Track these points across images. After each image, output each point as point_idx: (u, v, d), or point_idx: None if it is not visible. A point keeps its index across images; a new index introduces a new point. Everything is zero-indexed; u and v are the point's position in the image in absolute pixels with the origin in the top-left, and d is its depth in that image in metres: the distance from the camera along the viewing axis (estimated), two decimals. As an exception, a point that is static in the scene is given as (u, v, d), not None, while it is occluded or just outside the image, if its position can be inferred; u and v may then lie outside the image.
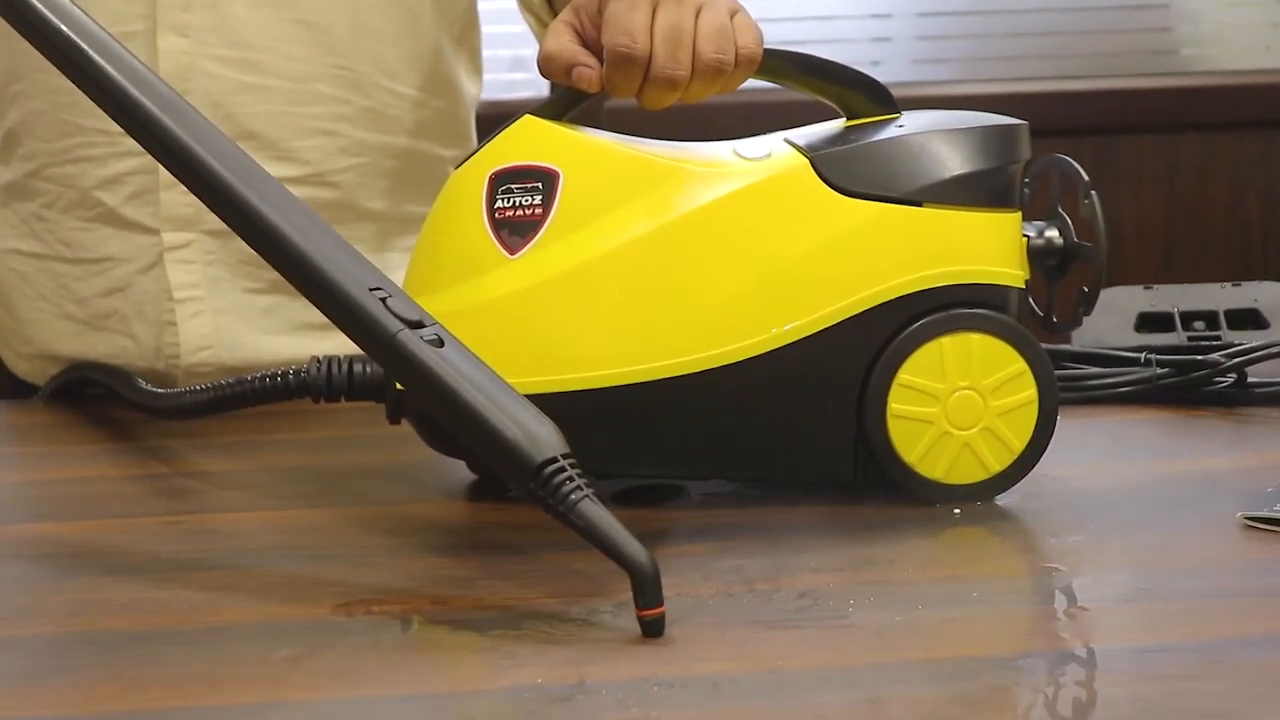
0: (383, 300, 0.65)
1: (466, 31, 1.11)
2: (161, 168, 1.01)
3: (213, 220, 1.02)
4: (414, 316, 0.65)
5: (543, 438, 0.62)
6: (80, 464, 0.91)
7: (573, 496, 0.61)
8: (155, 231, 1.03)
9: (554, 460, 0.62)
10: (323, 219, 0.69)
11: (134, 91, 0.68)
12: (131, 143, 0.93)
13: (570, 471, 0.62)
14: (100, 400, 1.01)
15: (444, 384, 0.63)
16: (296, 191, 0.99)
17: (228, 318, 1.04)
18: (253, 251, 1.08)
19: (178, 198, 1.02)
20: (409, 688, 0.56)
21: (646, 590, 0.60)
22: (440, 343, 0.64)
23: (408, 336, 0.64)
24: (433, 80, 1.07)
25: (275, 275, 1.03)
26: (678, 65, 0.77)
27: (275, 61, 1.02)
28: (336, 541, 0.74)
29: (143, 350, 1.05)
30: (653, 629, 0.60)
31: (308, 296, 0.67)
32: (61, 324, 1.08)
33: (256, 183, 0.67)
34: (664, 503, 0.78)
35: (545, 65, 0.80)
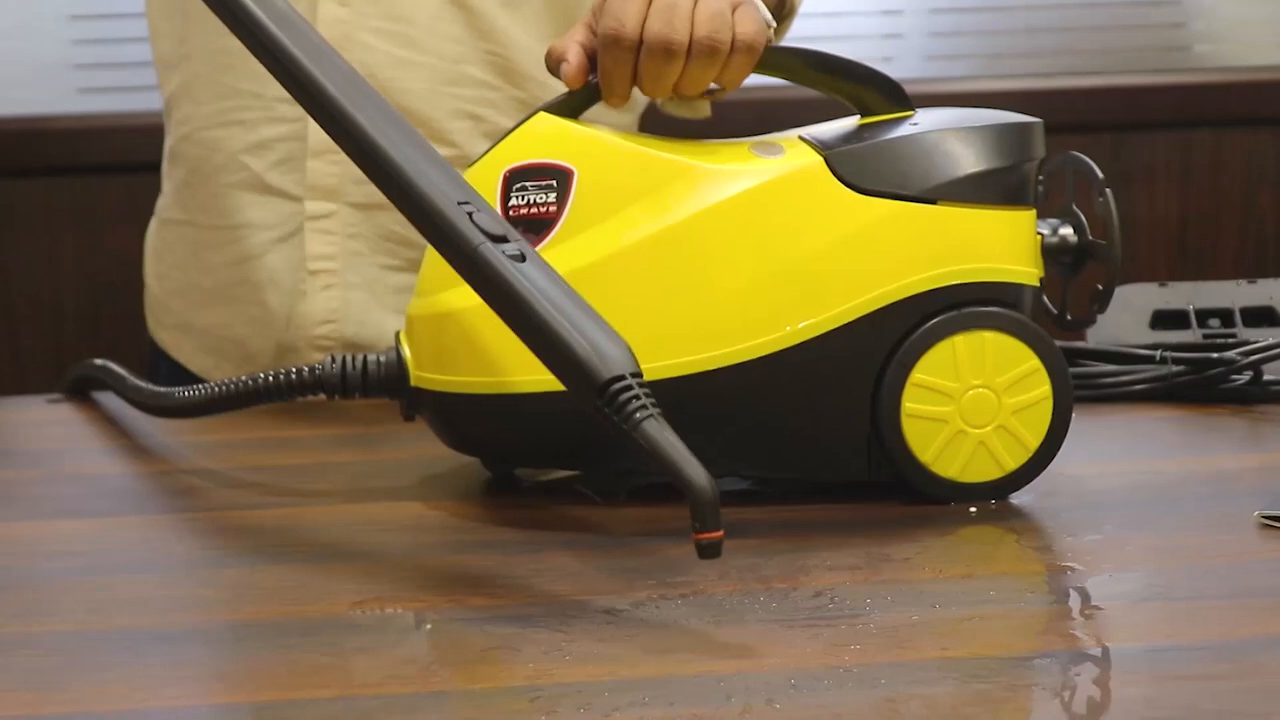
0: (469, 214, 0.66)
1: None
2: (310, 137, 1.02)
3: (356, 192, 1.03)
4: (498, 231, 0.66)
5: (613, 355, 0.63)
6: (96, 461, 0.91)
7: (637, 415, 0.61)
8: (299, 199, 1.04)
9: (622, 378, 0.62)
10: (424, 138, 0.70)
11: None
12: (284, 109, 0.95)
13: (637, 390, 0.62)
14: (112, 397, 1.01)
15: (519, 296, 0.64)
16: None
17: (359, 293, 1.05)
18: (395, 228, 1.09)
19: (324, 167, 1.03)
20: (424, 685, 0.56)
21: (705, 513, 0.60)
22: (522, 258, 0.65)
23: (489, 249, 0.65)
24: None
25: (414, 254, 1.04)
26: (673, 31, 0.76)
27: (430, 40, 1.03)
28: (352, 539, 0.74)
29: (273, 320, 1.05)
30: (709, 552, 0.60)
31: (399, 207, 0.68)
32: (191, 293, 1.09)
33: (360, 98, 0.69)
34: (679, 501, 0.78)
35: (545, 60, 0.80)
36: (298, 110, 1.02)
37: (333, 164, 1.03)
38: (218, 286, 1.08)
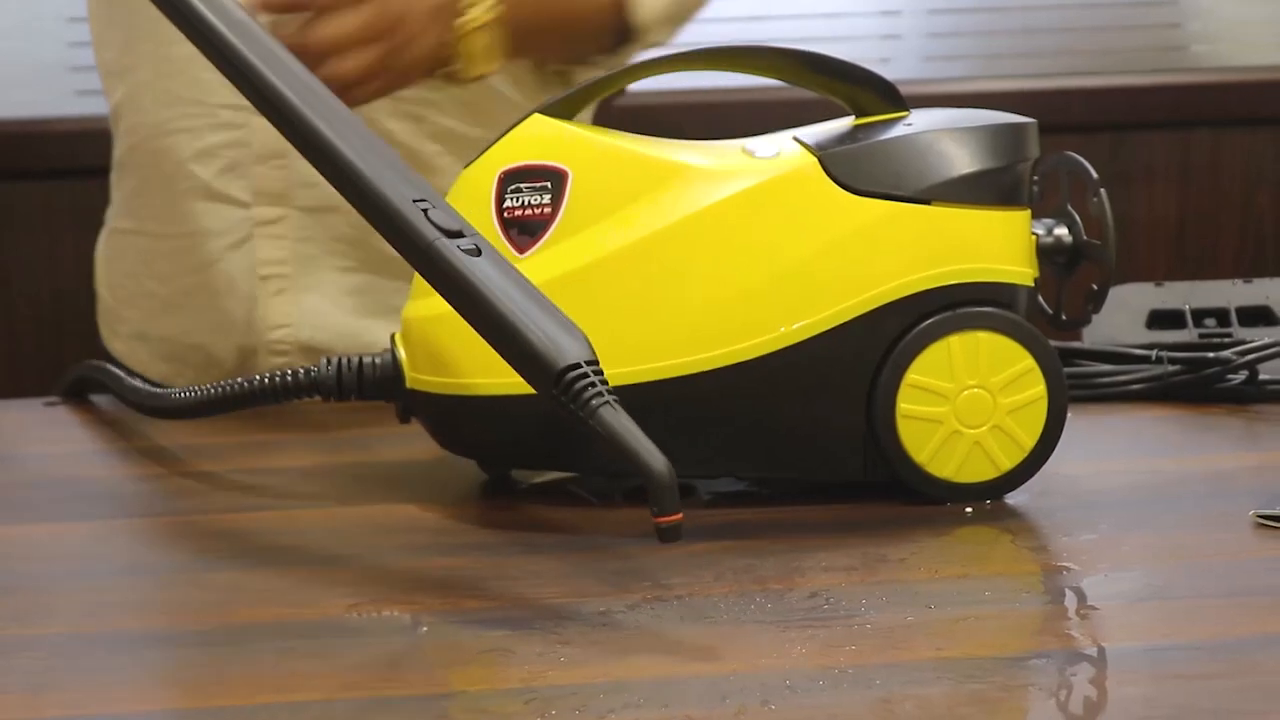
0: (424, 211, 0.67)
1: None
2: (255, 143, 1.02)
3: (305, 196, 1.03)
4: (453, 227, 0.66)
5: (566, 345, 0.63)
6: (92, 464, 0.91)
7: (593, 402, 0.62)
8: (247, 205, 1.04)
9: (576, 366, 0.62)
10: (378, 137, 0.71)
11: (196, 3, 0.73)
12: (229, 115, 0.96)
13: (593, 378, 0.62)
14: (108, 400, 1.01)
15: (474, 289, 0.64)
16: None
17: (313, 296, 1.05)
18: (346, 230, 1.10)
19: (270, 172, 1.03)
20: (420, 687, 0.56)
21: (663, 496, 0.60)
22: (477, 252, 0.66)
23: (444, 244, 0.66)
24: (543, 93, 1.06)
25: (367, 255, 1.04)
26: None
27: None
28: (347, 541, 0.74)
29: (233, 326, 1.05)
30: (669, 535, 0.60)
31: (354, 206, 0.69)
32: (145, 302, 1.09)
33: (313, 98, 0.70)
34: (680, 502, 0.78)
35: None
36: (242, 116, 1.02)
37: (279, 169, 1.03)
38: (173, 294, 1.08)
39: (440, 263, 0.65)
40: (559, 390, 0.62)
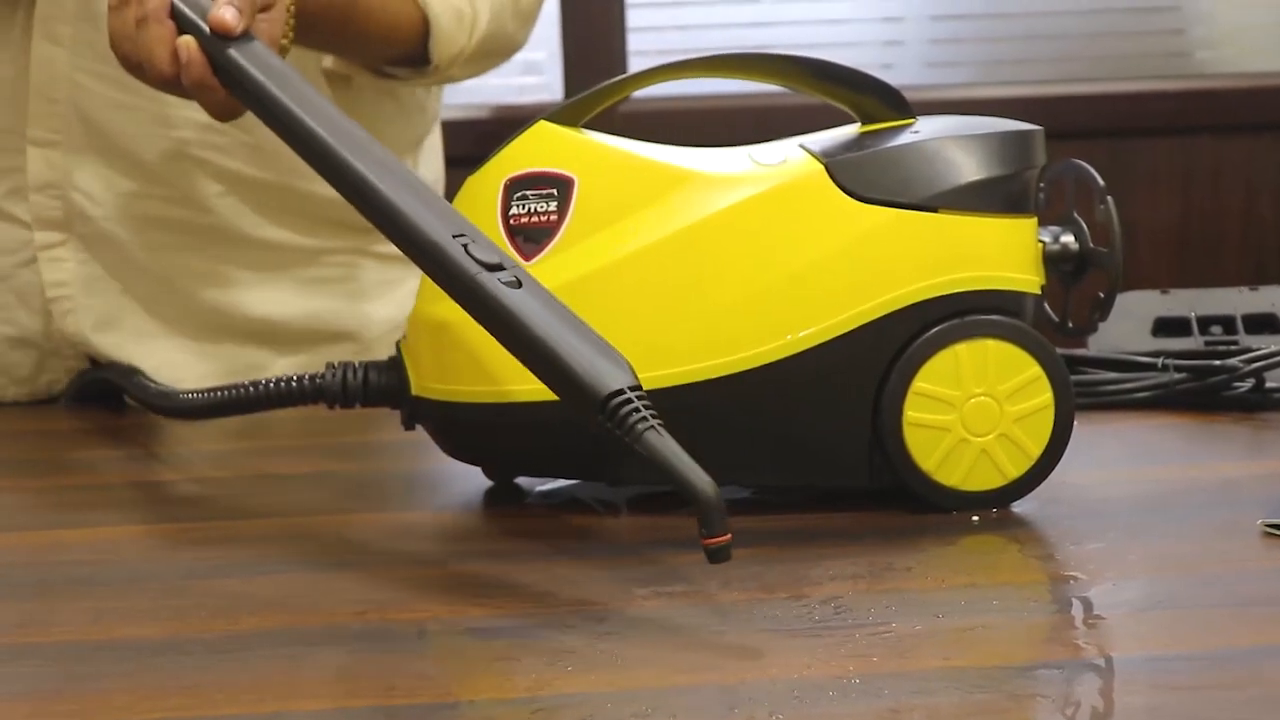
0: (464, 246, 0.68)
1: (420, 138, 1.13)
2: (29, 171, 1.04)
3: (84, 225, 1.04)
4: (493, 260, 0.68)
5: (609, 371, 0.64)
6: (98, 470, 0.91)
7: (639, 427, 0.63)
8: (30, 228, 1.05)
9: (620, 393, 0.63)
10: (412, 172, 0.73)
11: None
12: (12, 140, 0.96)
13: (637, 404, 0.63)
14: (118, 404, 1.01)
15: (518, 323, 0.66)
16: (158, 208, 1.01)
17: (99, 316, 1.05)
18: (138, 255, 1.11)
19: (46, 200, 1.04)
20: (426, 695, 0.56)
21: (712, 518, 0.61)
22: (518, 284, 0.67)
23: (485, 278, 0.67)
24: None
25: (152, 287, 1.06)
26: None
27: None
28: (352, 549, 0.74)
29: (31, 337, 1.07)
30: (719, 556, 0.61)
31: (395, 243, 0.71)
32: None
33: (349, 140, 0.72)
34: (679, 510, 0.78)
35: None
36: (21, 143, 1.04)
37: (55, 198, 1.04)
38: None
39: (483, 297, 0.67)
40: (605, 416, 0.63)
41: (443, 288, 0.69)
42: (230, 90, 0.80)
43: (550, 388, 0.66)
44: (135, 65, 0.85)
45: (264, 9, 0.83)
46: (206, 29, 0.80)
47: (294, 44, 0.88)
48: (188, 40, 0.81)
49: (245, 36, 0.80)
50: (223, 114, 0.83)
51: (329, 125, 0.73)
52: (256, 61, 0.78)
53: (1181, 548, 0.71)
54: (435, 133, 1.18)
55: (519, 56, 1.15)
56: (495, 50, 1.09)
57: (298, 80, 0.77)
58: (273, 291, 1.08)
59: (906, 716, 0.53)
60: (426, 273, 0.70)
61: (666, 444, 0.62)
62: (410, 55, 1.05)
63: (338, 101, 1.05)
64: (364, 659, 0.59)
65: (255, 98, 0.77)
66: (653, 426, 0.63)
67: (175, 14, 0.82)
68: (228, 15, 0.79)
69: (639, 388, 0.64)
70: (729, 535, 0.61)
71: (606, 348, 0.65)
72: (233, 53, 0.79)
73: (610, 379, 0.64)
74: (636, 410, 0.63)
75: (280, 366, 1.09)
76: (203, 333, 1.08)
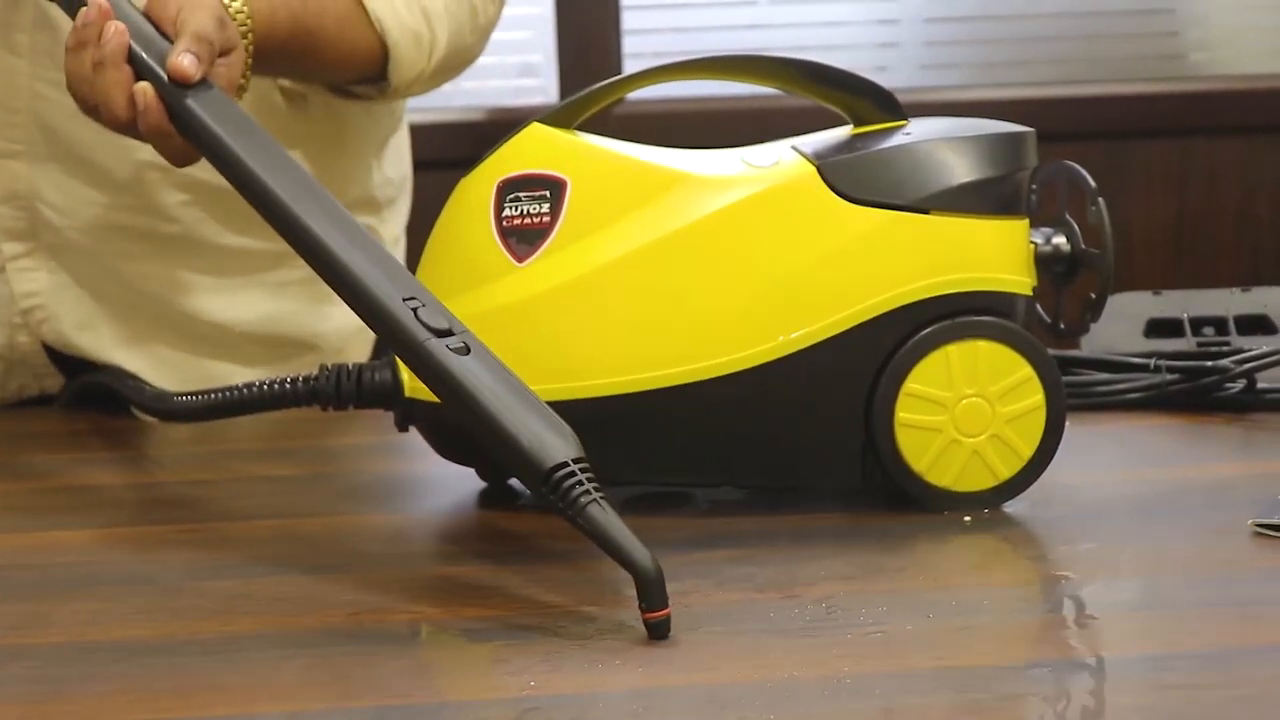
0: (414, 310, 0.69)
1: (385, 139, 1.13)
2: None
3: (51, 236, 1.04)
4: (442, 325, 0.69)
5: (553, 444, 0.64)
6: (93, 472, 0.91)
7: (581, 500, 0.63)
8: None
9: (564, 465, 0.63)
10: (367, 234, 0.74)
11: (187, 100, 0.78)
12: None
13: (580, 476, 0.63)
14: (113, 407, 1.01)
15: (465, 391, 0.67)
16: (123, 217, 1.01)
17: (70, 324, 1.05)
18: (109, 262, 1.10)
19: (11, 211, 1.03)
20: (419, 696, 0.56)
21: (651, 593, 0.61)
22: (466, 350, 0.68)
23: (434, 345, 0.68)
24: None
25: (124, 292, 1.05)
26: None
27: None
28: (347, 550, 0.74)
29: (2, 349, 1.06)
30: (658, 631, 0.60)
31: (346, 302, 0.71)
32: None
33: (303, 197, 0.73)
34: (673, 510, 0.78)
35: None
36: None
37: (22, 208, 1.03)
38: None
39: (431, 363, 0.68)
40: (548, 488, 0.64)
41: (393, 350, 0.71)
42: (186, 138, 0.79)
43: (497, 456, 0.66)
44: (92, 108, 0.84)
45: (223, 54, 0.82)
46: (164, 76, 0.79)
47: (252, 72, 0.88)
48: (145, 87, 0.80)
49: (203, 84, 0.79)
50: (179, 160, 0.83)
51: (283, 182, 0.73)
52: (213, 111, 0.78)
53: (1173, 548, 0.71)
54: (402, 132, 1.17)
55: (515, 59, 1.15)
56: (454, 66, 1.08)
57: (255, 130, 0.76)
58: (240, 295, 1.08)
59: (899, 716, 0.53)
60: (377, 334, 0.71)
61: (609, 518, 0.63)
62: (369, 76, 1.04)
63: (298, 108, 1.06)
64: (357, 660, 0.60)
65: (211, 149, 0.77)
66: (595, 500, 0.63)
67: (133, 59, 0.81)
68: (186, 63, 0.78)
69: (583, 459, 0.64)
70: (668, 609, 0.61)
71: (553, 419, 0.66)
72: (190, 102, 0.78)
73: (554, 451, 0.64)
74: (580, 483, 0.63)
75: (243, 377, 1.08)
76: (174, 340, 1.07)
